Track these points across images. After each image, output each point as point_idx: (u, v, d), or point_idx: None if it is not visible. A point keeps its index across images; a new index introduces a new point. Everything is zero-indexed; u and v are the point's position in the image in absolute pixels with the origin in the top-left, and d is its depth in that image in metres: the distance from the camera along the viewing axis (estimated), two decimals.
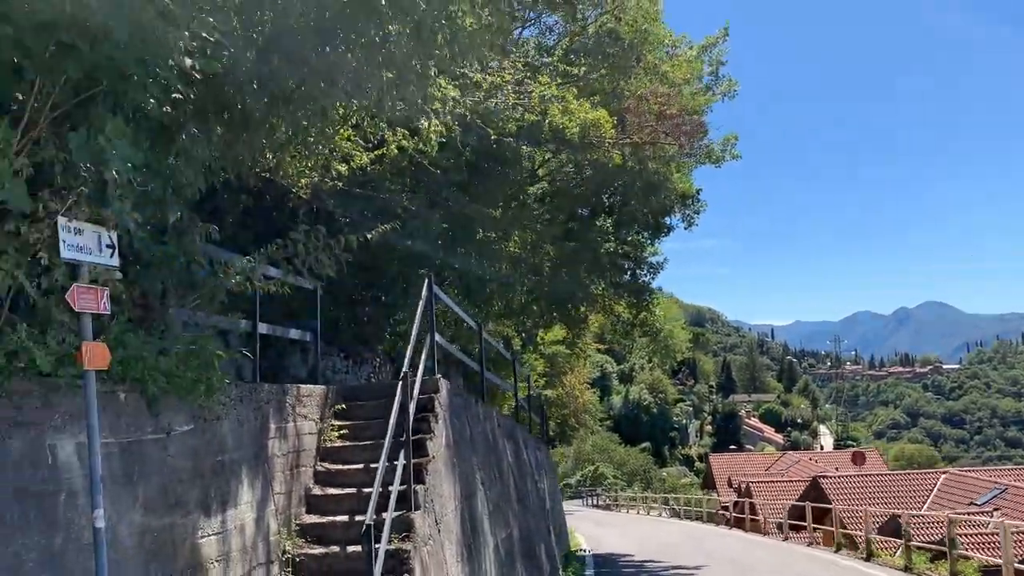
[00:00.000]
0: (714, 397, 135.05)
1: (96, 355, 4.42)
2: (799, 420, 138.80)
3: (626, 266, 21.14)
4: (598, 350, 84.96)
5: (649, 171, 16.12)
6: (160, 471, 5.31)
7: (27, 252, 4.26)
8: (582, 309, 22.61)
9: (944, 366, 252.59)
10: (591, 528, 34.10)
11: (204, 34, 3.97)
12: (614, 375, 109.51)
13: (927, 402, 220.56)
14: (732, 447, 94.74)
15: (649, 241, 21.88)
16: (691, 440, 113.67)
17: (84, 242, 4.42)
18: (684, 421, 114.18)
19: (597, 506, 56.83)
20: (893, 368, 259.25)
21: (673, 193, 18.44)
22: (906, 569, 17.22)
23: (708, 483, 59.73)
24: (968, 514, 24.52)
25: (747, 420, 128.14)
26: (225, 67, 4.43)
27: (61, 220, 4.22)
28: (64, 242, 4.26)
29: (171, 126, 4.92)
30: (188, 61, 3.91)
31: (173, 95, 4.30)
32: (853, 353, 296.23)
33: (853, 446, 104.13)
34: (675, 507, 48.52)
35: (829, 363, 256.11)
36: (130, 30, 3.57)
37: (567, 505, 55.20)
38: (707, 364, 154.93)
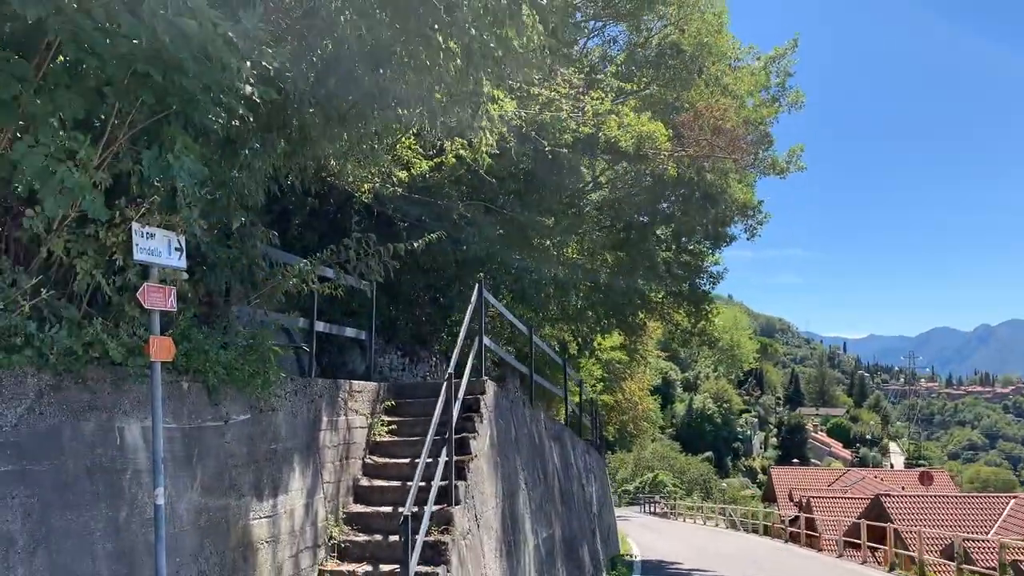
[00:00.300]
0: (780, 409, 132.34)
1: (162, 348, 4.90)
2: (868, 436, 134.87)
3: (684, 275, 21.15)
4: (662, 357, 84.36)
5: (707, 182, 16.19)
6: (217, 456, 5.79)
7: (104, 254, 4.77)
8: (640, 316, 22.74)
9: None
10: (645, 534, 34.10)
11: (265, 63, 4.40)
12: (678, 383, 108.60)
13: (1007, 424, 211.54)
14: (796, 460, 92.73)
15: (709, 251, 21.85)
16: (755, 452, 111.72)
17: (155, 245, 4.90)
18: (748, 432, 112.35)
19: (654, 513, 56.53)
20: (971, 387, 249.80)
21: (733, 204, 18.43)
22: None
23: (768, 496, 58.80)
24: None
25: (814, 434, 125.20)
26: (284, 91, 4.86)
27: (135, 225, 4.71)
28: (137, 245, 4.74)
29: (236, 140, 5.40)
30: (248, 88, 4.35)
31: (237, 115, 4.74)
32: (929, 370, 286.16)
33: (925, 466, 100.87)
34: (733, 518, 47.98)
35: (903, 379, 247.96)
36: (197, 61, 4.01)
37: (625, 511, 55.16)
38: (774, 375, 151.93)
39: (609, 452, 65.13)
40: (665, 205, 18.70)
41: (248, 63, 4.25)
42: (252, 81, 4.41)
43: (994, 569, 16.60)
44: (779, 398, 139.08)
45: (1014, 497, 35.22)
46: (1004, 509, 33.12)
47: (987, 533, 29.71)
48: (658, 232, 19.40)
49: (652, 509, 58.66)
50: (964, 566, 17.83)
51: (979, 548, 24.61)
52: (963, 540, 18.84)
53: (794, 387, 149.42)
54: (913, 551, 23.67)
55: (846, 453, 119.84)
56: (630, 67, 16.02)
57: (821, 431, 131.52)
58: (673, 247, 20.18)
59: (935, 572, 20.43)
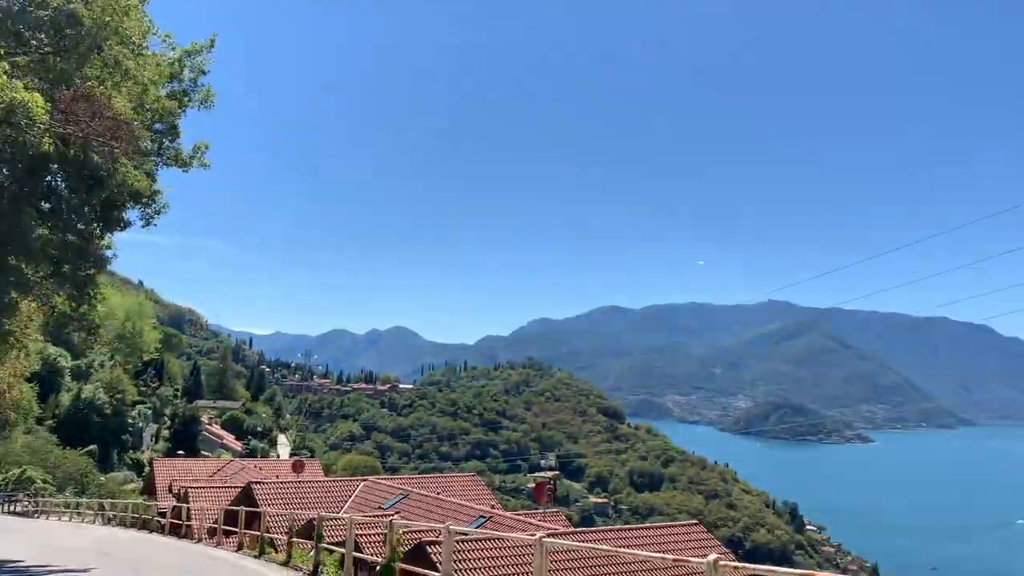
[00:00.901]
0: (178, 401, 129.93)
1: None
2: (260, 429, 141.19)
3: (67, 255, 19.98)
4: (47, 342, 76.38)
5: (93, 164, 15.65)
6: None
7: None
8: (13, 296, 20.72)
9: (401, 385, 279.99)
10: None
11: None
12: (68, 371, 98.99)
13: (383, 417, 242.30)
14: (181, 452, 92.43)
15: (99, 234, 21.01)
16: (145, 444, 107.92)
17: None
18: (140, 424, 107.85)
19: (15, 512, 50.99)
20: (358, 384, 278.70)
21: (126, 190, 18.06)
22: (286, 563, 19.74)
23: (150, 488, 57.86)
24: (372, 516, 28.01)
25: (208, 426, 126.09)
26: None
27: None
28: None
29: None
30: None
31: None
32: (324, 367, 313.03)
33: (309, 456, 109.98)
34: (109, 513, 46.08)
35: (300, 376, 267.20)
36: None
37: None
38: (176, 367, 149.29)
39: None
40: (49, 178, 17.50)
41: None
42: None
43: (340, 543, 19.32)
44: (178, 390, 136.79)
45: (364, 480, 40.89)
46: (355, 490, 38.25)
47: (339, 511, 33.97)
48: (38, 206, 17.99)
49: (13, 508, 52.91)
50: (295, 539, 20.33)
51: (330, 525, 28.03)
52: (310, 519, 21.33)
53: (195, 379, 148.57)
54: (272, 533, 25.85)
55: (237, 445, 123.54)
56: (19, 26, 14.66)
57: (216, 423, 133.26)
58: (55, 225, 18.91)
59: (276, 549, 22.72)
